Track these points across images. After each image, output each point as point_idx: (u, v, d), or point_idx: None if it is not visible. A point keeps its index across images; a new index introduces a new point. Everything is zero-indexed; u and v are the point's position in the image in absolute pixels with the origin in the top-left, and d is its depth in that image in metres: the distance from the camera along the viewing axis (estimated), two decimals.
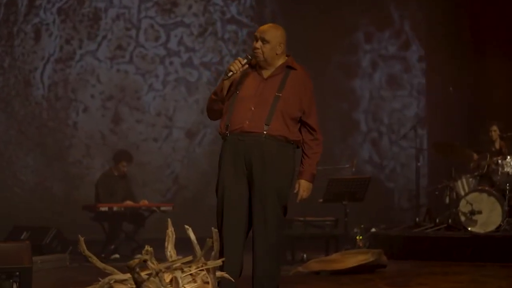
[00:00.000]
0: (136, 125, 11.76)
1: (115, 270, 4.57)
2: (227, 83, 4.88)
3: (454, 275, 7.49)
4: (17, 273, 5.54)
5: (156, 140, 11.82)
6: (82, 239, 4.58)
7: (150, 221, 9.76)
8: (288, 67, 4.90)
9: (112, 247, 9.46)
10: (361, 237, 9.20)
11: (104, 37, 11.60)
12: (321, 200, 8.87)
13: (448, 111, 11.97)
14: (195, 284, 4.54)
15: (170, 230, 4.72)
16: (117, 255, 9.44)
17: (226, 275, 4.70)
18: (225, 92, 4.89)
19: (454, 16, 12.38)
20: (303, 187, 4.90)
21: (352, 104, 12.76)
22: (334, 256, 7.97)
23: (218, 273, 4.77)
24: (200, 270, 4.58)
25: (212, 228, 4.61)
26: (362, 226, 9.47)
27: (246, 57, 4.82)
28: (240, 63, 4.79)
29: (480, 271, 7.81)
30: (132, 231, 9.86)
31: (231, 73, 4.78)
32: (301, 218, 8.84)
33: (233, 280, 4.71)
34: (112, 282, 4.51)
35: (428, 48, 12.76)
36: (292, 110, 4.82)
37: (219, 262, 4.59)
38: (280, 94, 4.80)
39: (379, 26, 12.79)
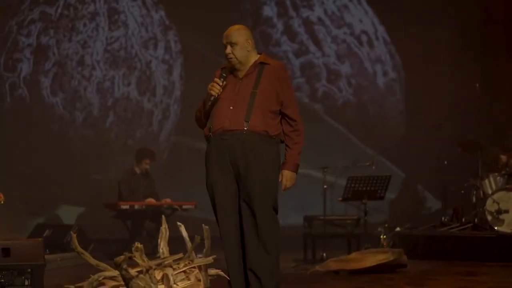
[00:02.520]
0: None
1: (108, 267, 4.62)
2: (211, 105, 4.97)
3: (479, 275, 7.37)
4: (29, 270, 5.69)
5: None
6: (74, 235, 4.66)
7: (172, 220, 9.51)
8: (261, 63, 4.97)
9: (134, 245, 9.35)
10: (385, 236, 9.14)
11: None
12: (340, 199, 8.81)
13: (474, 108, 11.96)
14: (188, 281, 4.63)
15: (164, 227, 4.85)
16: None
17: (221, 273, 4.84)
18: (210, 110, 4.97)
19: (485, 13, 12.42)
20: (286, 177, 4.94)
21: None
22: (353, 255, 7.88)
23: (213, 271, 4.91)
24: (192, 268, 4.65)
25: (203, 225, 4.76)
26: (386, 225, 9.42)
27: (222, 76, 4.94)
28: (219, 84, 4.90)
29: (506, 271, 7.74)
30: (154, 229, 9.65)
31: (213, 97, 4.90)
32: (321, 217, 8.73)
33: (228, 277, 4.83)
34: (101, 278, 4.59)
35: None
36: (270, 104, 4.88)
37: (209, 259, 4.65)
38: (256, 90, 4.88)
39: None
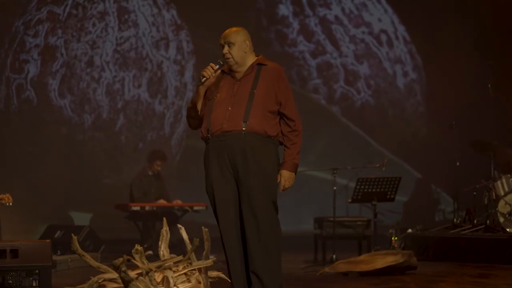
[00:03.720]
0: None
1: (109, 269, 4.65)
2: (202, 89, 5.00)
3: (491, 278, 7.28)
4: (37, 271, 5.85)
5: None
6: (75, 238, 4.71)
7: (183, 221, 9.57)
8: (258, 64, 5.02)
9: (145, 246, 9.39)
10: (396, 238, 9.15)
11: None
12: (350, 200, 8.78)
13: (487, 109, 11.75)
14: (189, 284, 4.69)
15: (165, 230, 4.91)
16: (150, 252, 9.25)
17: (222, 275, 4.94)
18: (201, 98, 5.02)
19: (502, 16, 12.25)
20: (285, 177, 4.95)
21: None
22: (362, 257, 7.83)
23: (214, 273, 4.99)
24: (193, 270, 4.70)
25: (202, 227, 4.85)
26: (397, 226, 9.45)
27: (218, 63, 4.98)
28: (213, 68, 4.94)
29: None
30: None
31: (204, 78, 4.92)
32: (331, 218, 8.69)
33: (229, 280, 4.89)
34: (101, 280, 4.66)
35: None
36: (269, 104, 4.92)
37: (209, 262, 4.71)
38: (255, 91, 4.91)
39: None
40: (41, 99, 11.58)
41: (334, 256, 8.49)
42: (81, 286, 4.72)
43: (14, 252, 5.90)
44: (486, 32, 12.48)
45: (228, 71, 5.06)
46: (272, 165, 4.94)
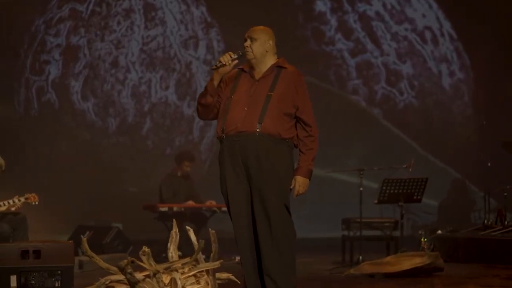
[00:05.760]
0: None
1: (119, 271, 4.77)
2: (215, 75, 5.09)
3: None
4: (59, 271, 6.09)
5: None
6: (84, 239, 4.90)
7: (212, 222, 9.71)
8: (278, 66, 5.14)
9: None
10: (425, 239, 9.28)
11: None
12: (376, 202, 8.90)
13: None
14: (198, 285, 4.87)
15: (175, 231, 5.14)
16: (179, 253, 8.89)
17: (232, 277, 5.18)
18: (215, 83, 5.10)
19: None
20: (299, 183, 5.06)
21: None
22: (388, 258, 7.96)
23: (224, 275, 5.17)
24: (201, 272, 4.91)
25: (209, 229, 5.14)
26: (426, 228, 9.58)
27: (237, 53, 5.08)
28: (231, 56, 5.04)
29: None
30: (194, 231, 9.41)
31: (220, 63, 5.02)
32: (358, 219, 8.88)
33: (239, 282, 5.11)
34: (108, 282, 4.87)
35: None
36: (285, 107, 5.03)
37: (215, 264, 4.91)
38: (272, 93, 5.03)
39: None
40: (62, 102, 11.48)
41: (360, 258, 8.63)
42: (90, 287, 4.94)
43: (37, 253, 6.14)
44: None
45: (248, 70, 5.18)
46: (286, 168, 5.07)
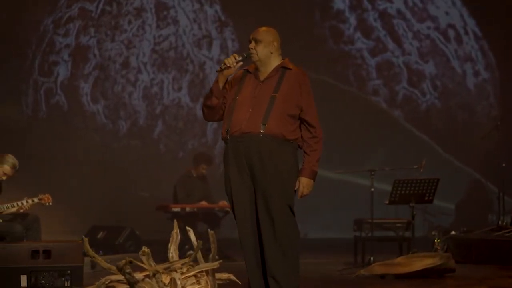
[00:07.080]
0: None
1: None
2: (220, 77, 5.17)
3: None
4: (69, 271, 6.24)
5: None
6: (86, 239, 4.98)
7: (225, 222, 9.80)
8: (283, 67, 5.22)
9: (186, 246, 9.41)
10: (439, 240, 9.30)
11: None
12: (387, 202, 8.90)
13: None
14: (198, 286, 4.95)
15: (175, 232, 5.20)
16: (191, 252, 8.84)
17: (233, 277, 5.32)
18: (220, 85, 5.18)
19: None
20: (303, 184, 5.15)
21: None
22: (399, 259, 7.95)
23: (225, 275, 5.25)
24: (201, 272, 5.02)
25: (208, 230, 5.25)
26: (440, 228, 9.71)
27: (242, 55, 5.17)
28: (235, 58, 5.13)
29: None
30: (206, 232, 9.39)
31: (224, 65, 5.11)
32: (369, 220, 8.96)
33: (239, 282, 5.30)
34: (108, 282, 4.96)
35: None
36: (289, 108, 5.12)
37: (214, 264, 5.02)
38: (276, 94, 5.12)
39: None
40: (72, 104, 11.52)
41: (371, 258, 8.68)
42: (90, 287, 5.07)
43: (47, 253, 6.28)
44: None
45: (252, 71, 5.26)
46: (289, 169, 5.13)
